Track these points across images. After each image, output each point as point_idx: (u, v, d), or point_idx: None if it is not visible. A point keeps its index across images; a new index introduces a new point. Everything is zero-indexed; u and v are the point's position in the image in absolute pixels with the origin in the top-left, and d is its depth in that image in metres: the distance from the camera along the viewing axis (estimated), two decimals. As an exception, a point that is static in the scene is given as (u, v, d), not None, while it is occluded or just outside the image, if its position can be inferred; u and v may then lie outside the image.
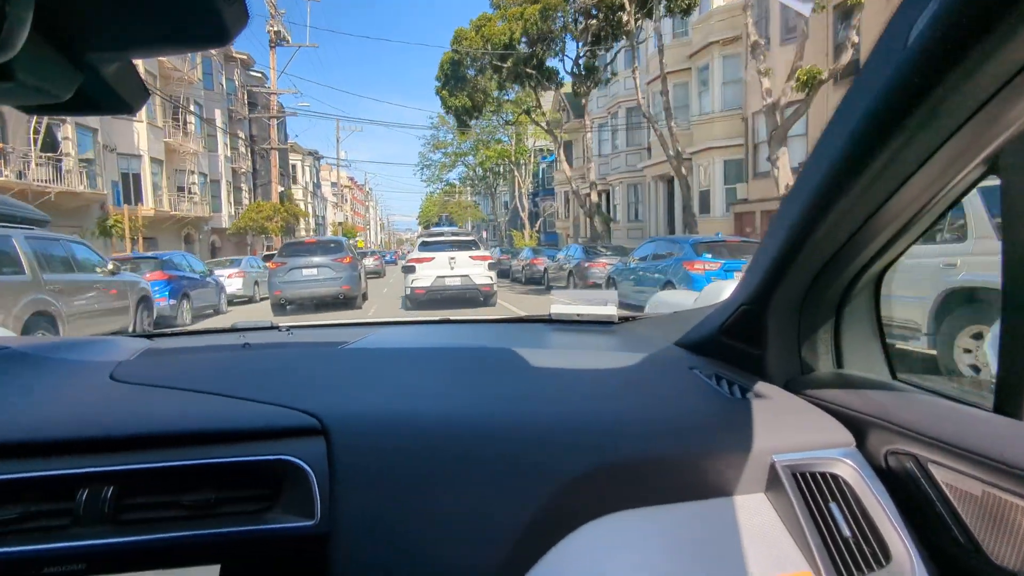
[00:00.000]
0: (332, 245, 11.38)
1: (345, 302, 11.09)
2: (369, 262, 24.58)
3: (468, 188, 49.75)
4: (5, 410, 0.79)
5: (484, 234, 53.93)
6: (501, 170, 38.29)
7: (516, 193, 34.07)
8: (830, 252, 0.81)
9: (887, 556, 0.70)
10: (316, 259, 10.90)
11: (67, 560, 0.64)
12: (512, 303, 12.18)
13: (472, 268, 10.26)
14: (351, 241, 12.53)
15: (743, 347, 1.00)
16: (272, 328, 1.48)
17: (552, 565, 0.70)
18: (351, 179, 77.87)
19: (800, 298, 0.89)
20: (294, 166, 40.46)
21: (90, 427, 0.75)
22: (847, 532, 0.72)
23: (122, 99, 0.48)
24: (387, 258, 43.87)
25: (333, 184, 61.28)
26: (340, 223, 35.48)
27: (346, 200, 71.52)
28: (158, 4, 0.38)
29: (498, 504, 0.71)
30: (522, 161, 34.74)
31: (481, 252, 10.71)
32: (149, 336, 1.40)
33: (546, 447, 0.77)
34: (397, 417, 0.81)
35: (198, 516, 0.68)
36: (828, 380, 0.90)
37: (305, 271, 10.84)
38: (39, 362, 0.98)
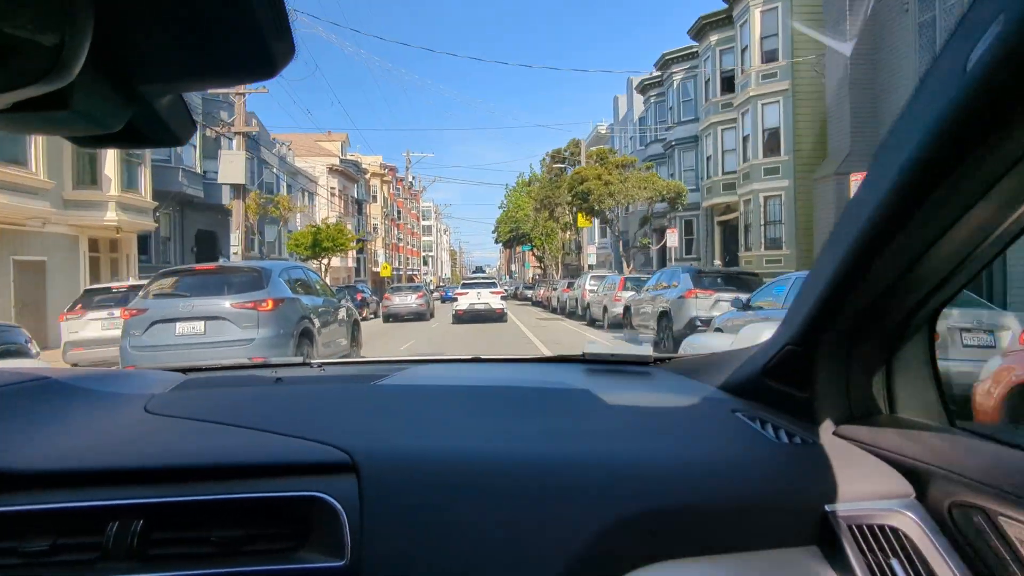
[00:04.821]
0: (240, 277, 6.45)
1: None
2: (411, 300, 19.29)
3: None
4: (41, 440, 0.79)
5: (673, 242, 18.97)
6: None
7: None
8: (882, 288, 0.77)
9: None
10: (203, 304, 6.09)
11: None
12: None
13: (491, 298, 18.02)
14: (297, 269, 7.57)
15: (788, 390, 0.96)
16: (304, 364, 1.54)
17: None
18: (388, 167, 49.65)
19: (849, 337, 0.85)
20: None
21: (123, 458, 0.75)
22: None
23: (171, 131, 0.49)
24: (447, 295, 34.96)
25: (352, 164, 37.89)
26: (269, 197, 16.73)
27: (370, 194, 43.53)
28: (210, 39, 0.39)
29: (531, 549, 0.69)
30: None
31: (497, 289, 18.54)
32: (184, 371, 1.44)
33: (581, 491, 0.75)
34: (429, 455, 0.80)
35: (227, 553, 0.68)
36: (882, 425, 0.86)
37: (180, 326, 6.02)
38: (76, 393, 1.00)
